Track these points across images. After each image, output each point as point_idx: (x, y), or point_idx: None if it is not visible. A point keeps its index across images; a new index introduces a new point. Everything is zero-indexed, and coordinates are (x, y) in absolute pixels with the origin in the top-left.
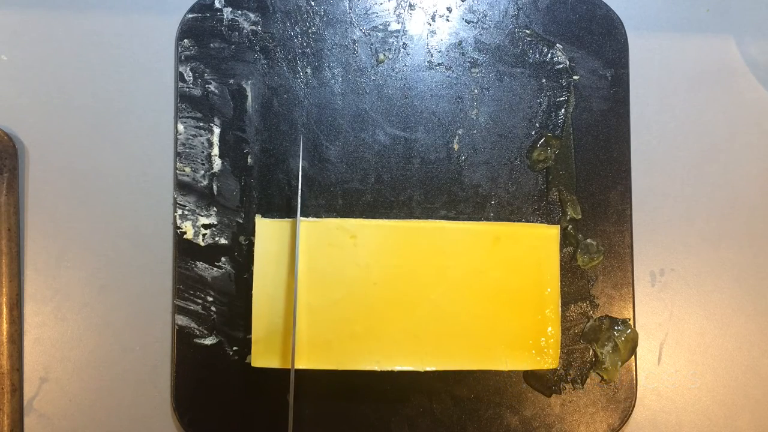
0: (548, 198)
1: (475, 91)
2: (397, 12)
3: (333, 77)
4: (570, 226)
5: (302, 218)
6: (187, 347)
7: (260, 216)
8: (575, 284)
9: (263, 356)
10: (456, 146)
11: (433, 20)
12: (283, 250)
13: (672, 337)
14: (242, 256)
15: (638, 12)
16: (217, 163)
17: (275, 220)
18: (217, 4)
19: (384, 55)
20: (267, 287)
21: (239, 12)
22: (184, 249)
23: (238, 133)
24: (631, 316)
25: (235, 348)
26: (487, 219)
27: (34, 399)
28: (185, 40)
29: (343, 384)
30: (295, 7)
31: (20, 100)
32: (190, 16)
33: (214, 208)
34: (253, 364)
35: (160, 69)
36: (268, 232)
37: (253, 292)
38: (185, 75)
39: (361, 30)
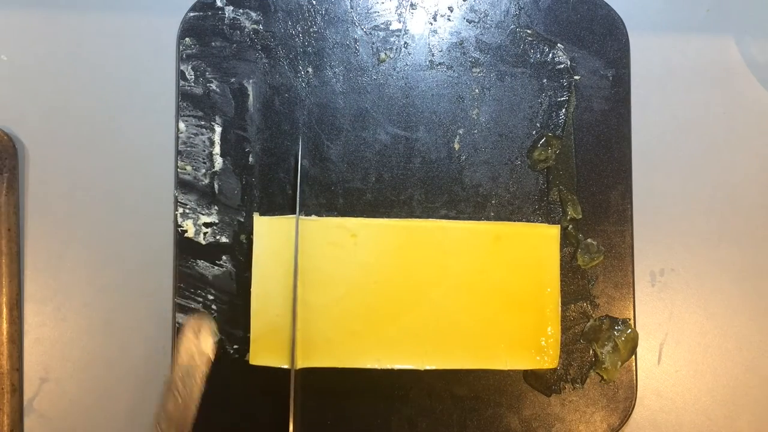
0: (549, 198)
1: (476, 90)
2: (398, 11)
3: (334, 76)
4: (570, 226)
5: (302, 217)
6: None
7: (258, 214)
8: (575, 284)
9: (262, 354)
10: (457, 146)
11: (435, 19)
12: (283, 249)
13: (672, 337)
14: (243, 254)
15: (639, 12)
16: (219, 162)
17: (273, 218)
18: (219, 3)
19: (385, 54)
20: (266, 285)
21: (241, 11)
22: (185, 247)
23: (240, 131)
24: (631, 316)
25: (235, 346)
26: (488, 218)
27: (34, 399)
28: (186, 39)
29: (342, 382)
30: (297, 6)
31: (20, 100)
32: (191, 14)
33: (215, 207)
34: (251, 362)
35: (162, 68)
36: (266, 230)
37: (251, 289)
38: (186, 74)
39: (362, 29)
